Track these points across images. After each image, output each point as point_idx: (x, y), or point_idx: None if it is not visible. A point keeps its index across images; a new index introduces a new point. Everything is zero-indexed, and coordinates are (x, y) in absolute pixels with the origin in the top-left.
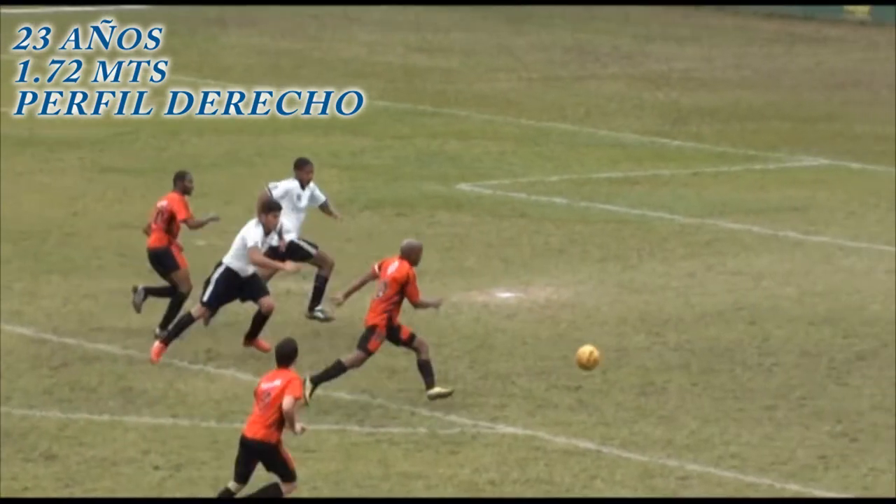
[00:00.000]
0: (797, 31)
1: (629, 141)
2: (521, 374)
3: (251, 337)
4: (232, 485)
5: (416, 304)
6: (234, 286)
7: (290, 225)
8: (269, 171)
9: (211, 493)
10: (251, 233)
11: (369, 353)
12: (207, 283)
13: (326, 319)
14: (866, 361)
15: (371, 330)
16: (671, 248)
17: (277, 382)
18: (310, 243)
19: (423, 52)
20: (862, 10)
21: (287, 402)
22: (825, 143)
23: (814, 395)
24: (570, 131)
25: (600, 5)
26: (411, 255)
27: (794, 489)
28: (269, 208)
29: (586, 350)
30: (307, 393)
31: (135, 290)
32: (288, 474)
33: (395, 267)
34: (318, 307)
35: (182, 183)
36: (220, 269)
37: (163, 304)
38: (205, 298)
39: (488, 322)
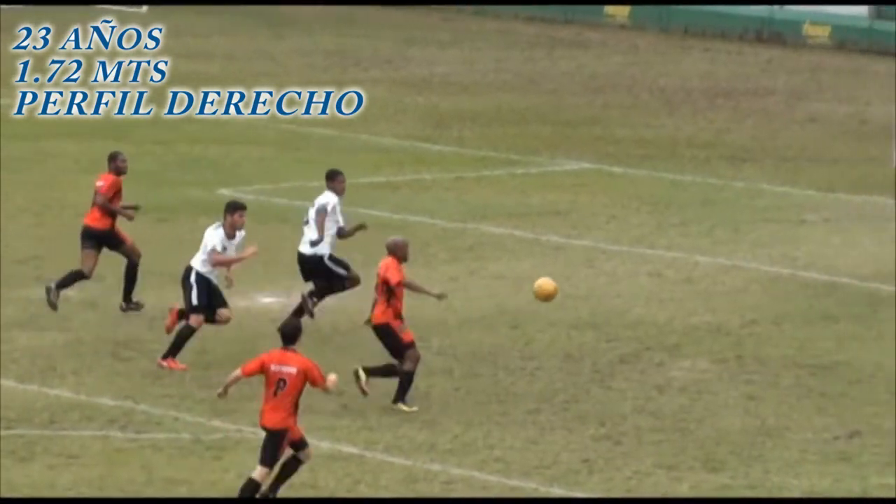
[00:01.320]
0: (558, 35)
1: (390, 145)
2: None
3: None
4: (258, 472)
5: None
6: (210, 289)
7: (328, 239)
8: (30, 177)
9: None
10: (210, 236)
11: (412, 345)
12: (187, 288)
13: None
14: (629, 365)
15: (385, 330)
16: (433, 253)
17: (292, 369)
18: (342, 263)
19: (183, 57)
20: (622, 13)
21: (331, 383)
22: (586, 146)
23: (577, 399)
24: (330, 136)
25: (362, 6)
26: (397, 252)
27: (558, 492)
28: (234, 208)
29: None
30: (362, 383)
31: (48, 290)
32: (272, 463)
33: (381, 266)
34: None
35: (115, 163)
36: (193, 273)
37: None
38: (194, 303)
39: (251, 327)
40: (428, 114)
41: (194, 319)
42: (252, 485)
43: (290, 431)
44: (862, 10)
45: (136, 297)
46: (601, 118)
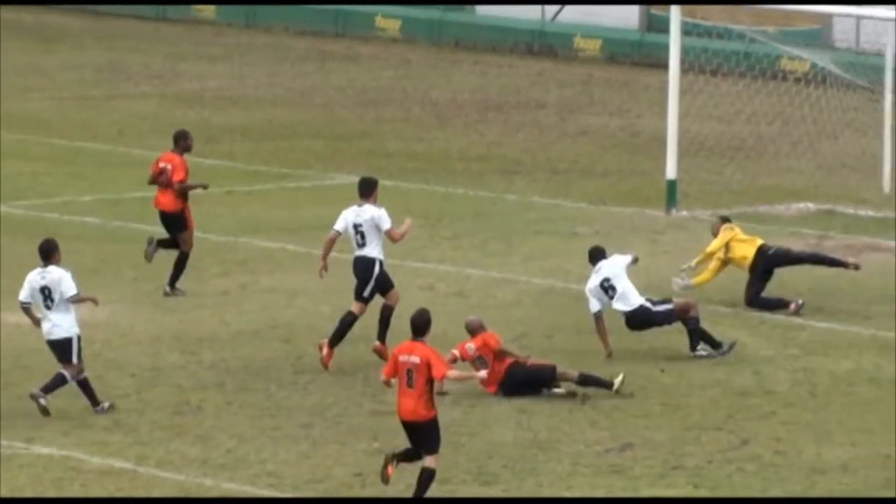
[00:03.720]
0: (329, 49)
1: None
2: (55, 395)
3: None
4: (430, 460)
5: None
6: None
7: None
8: None
9: None
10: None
11: None
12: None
13: None
14: None
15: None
16: (205, 267)
17: (416, 359)
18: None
19: None
20: (393, 26)
21: (451, 374)
22: (358, 160)
23: (350, 413)
24: (102, 151)
25: (132, 20)
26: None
27: None
28: None
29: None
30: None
31: (149, 241)
32: (436, 447)
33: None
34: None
35: (186, 142)
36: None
37: None
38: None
39: (21, 342)
40: (199, 128)
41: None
42: (428, 473)
43: (436, 418)
44: (633, 23)
45: None
46: (373, 132)
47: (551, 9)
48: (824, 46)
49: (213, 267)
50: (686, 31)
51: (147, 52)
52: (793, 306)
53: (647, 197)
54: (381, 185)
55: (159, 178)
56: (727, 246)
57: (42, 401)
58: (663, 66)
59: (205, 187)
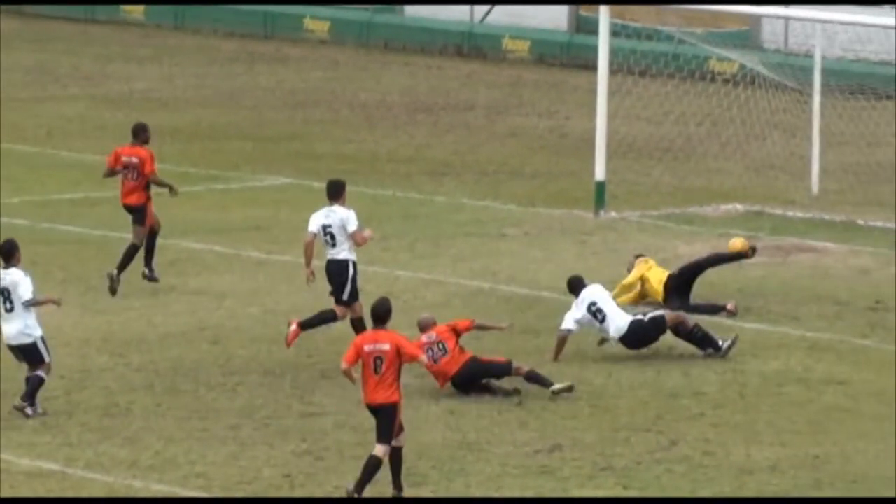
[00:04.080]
0: (257, 51)
1: (90, 162)
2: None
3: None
4: (379, 449)
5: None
6: None
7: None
8: None
9: None
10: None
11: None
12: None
13: None
14: (330, 380)
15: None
16: (134, 269)
17: (385, 346)
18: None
19: None
20: (321, 28)
21: (422, 360)
22: (287, 162)
23: (278, 415)
24: (30, 153)
25: (61, 21)
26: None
27: None
28: None
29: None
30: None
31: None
32: (388, 437)
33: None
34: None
35: (145, 135)
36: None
37: None
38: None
39: None
40: (128, 130)
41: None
42: (374, 461)
43: (399, 404)
44: (561, 24)
45: None
46: (302, 133)
47: (480, 10)
48: (753, 48)
49: (141, 268)
50: (615, 32)
51: (75, 53)
52: (729, 306)
53: (576, 198)
54: (310, 186)
55: (125, 172)
56: (643, 278)
57: (29, 410)
58: (592, 67)
59: (173, 191)
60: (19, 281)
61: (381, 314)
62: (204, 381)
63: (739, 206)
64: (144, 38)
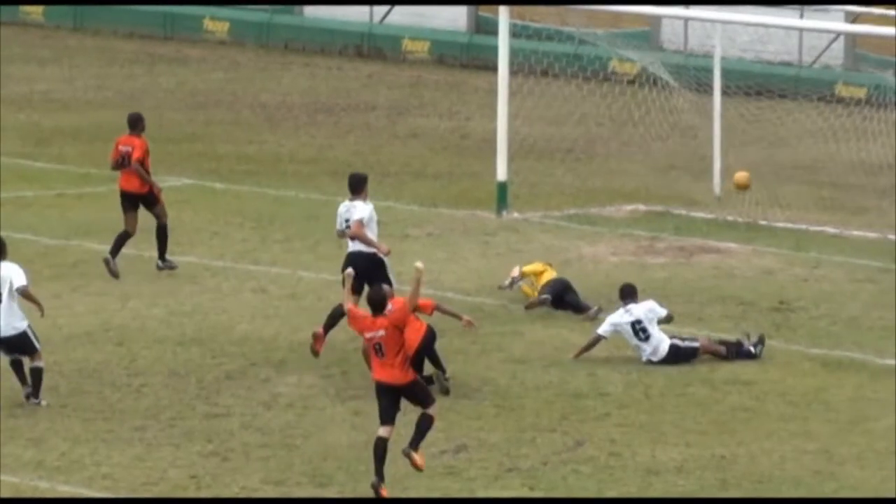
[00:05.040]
0: (158, 52)
1: None
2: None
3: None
4: (383, 430)
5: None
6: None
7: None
8: None
9: None
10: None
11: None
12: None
13: None
14: (235, 381)
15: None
16: (37, 270)
17: (380, 332)
18: None
19: None
20: (221, 28)
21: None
22: (189, 163)
23: (184, 416)
24: None
25: None
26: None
27: None
28: None
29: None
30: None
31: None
32: (429, 399)
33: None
34: None
35: (142, 124)
36: None
37: None
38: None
39: None
40: (29, 131)
41: None
42: (427, 419)
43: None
44: (461, 24)
45: None
46: (203, 134)
47: (380, 11)
48: (653, 48)
49: (44, 270)
50: (515, 32)
51: None
52: (591, 311)
53: (478, 199)
54: (211, 187)
55: (123, 162)
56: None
57: (43, 403)
58: (492, 67)
59: (157, 191)
60: (12, 273)
61: (378, 302)
62: (109, 381)
63: (642, 207)
64: (44, 38)
